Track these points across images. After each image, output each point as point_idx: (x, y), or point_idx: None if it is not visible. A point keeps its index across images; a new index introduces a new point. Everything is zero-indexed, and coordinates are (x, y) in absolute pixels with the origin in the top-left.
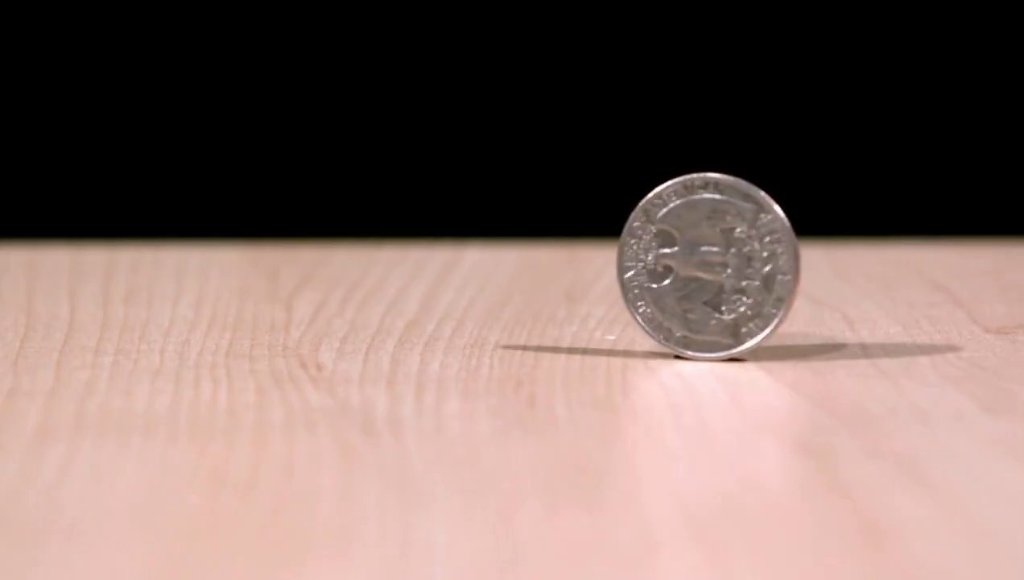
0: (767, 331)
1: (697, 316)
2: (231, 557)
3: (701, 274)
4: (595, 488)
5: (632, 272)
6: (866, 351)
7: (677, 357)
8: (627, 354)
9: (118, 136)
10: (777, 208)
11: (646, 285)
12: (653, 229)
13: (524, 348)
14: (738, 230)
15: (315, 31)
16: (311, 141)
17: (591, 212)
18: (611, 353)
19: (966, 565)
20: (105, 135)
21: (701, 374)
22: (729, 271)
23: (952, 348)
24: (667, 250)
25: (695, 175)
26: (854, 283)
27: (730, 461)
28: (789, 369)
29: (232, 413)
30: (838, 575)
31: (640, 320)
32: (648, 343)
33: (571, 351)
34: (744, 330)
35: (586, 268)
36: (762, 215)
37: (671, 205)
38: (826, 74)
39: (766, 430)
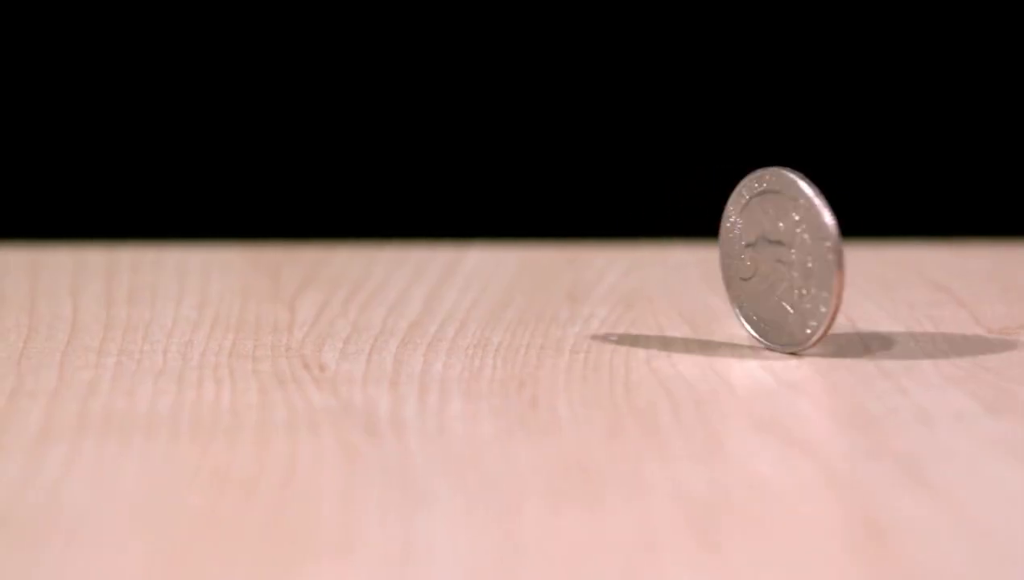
0: (825, 325)
1: (775, 310)
2: (233, 557)
3: (777, 268)
4: (597, 488)
5: (731, 270)
6: (868, 351)
7: (769, 349)
8: (629, 355)
9: (120, 137)
10: (821, 201)
11: (740, 279)
12: (740, 224)
13: (527, 349)
14: (795, 224)
15: (317, 32)
16: (313, 142)
17: (593, 213)
18: (613, 353)
19: (966, 565)
20: (107, 136)
21: (703, 374)
22: (794, 263)
23: (954, 348)
24: (750, 245)
25: (761, 169)
26: (855, 283)
27: (732, 461)
28: (791, 369)
29: (235, 413)
30: (839, 574)
31: (739, 313)
32: (733, 335)
33: (574, 352)
34: (808, 325)
35: (588, 269)
36: (811, 208)
37: (747, 199)
38: (826, 76)
39: (768, 430)
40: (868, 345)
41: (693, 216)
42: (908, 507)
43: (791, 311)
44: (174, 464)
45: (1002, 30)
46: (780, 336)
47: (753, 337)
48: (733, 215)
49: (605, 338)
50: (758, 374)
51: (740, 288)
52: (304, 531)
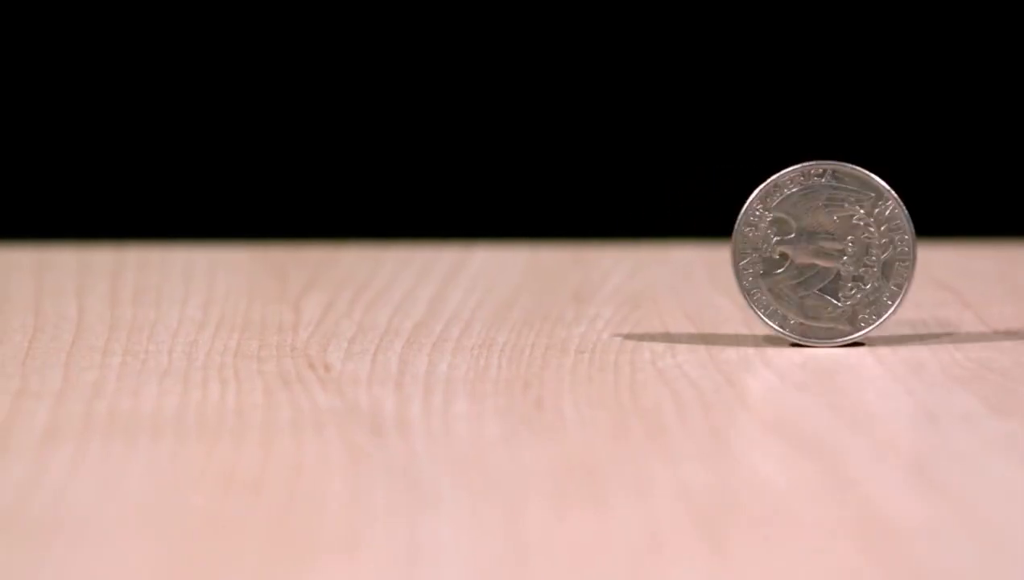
0: (886, 316)
1: (813, 303)
2: (239, 558)
3: (818, 261)
4: (602, 489)
5: (747, 260)
6: (873, 351)
7: (794, 345)
8: (635, 355)
9: (125, 137)
10: (895, 196)
11: (761, 273)
12: (769, 217)
13: (532, 349)
14: (855, 217)
15: (321, 32)
16: (318, 142)
17: (598, 213)
18: (619, 354)
19: (972, 566)
20: (112, 136)
21: (709, 374)
22: (846, 258)
23: (960, 349)
24: (783, 237)
25: (813, 163)
26: None
27: (738, 462)
28: (797, 369)
29: (240, 414)
30: (845, 575)
31: (755, 307)
32: (760, 329)
33: (579, 352)
34: (861, 317)
35: (594, 269)
36: (880, 203)
37: (788, 193)
38: (832, 77)
39: (773, 430)
40: (873, 345)
41: (698, 216)
42: (914, 508)
43: (838, 303)
44: (179, 465)
45: (1006, 30)
46: (814, 330)
47: (777, 332)
48: (761, 209)
49: (610, 338)
50: (764, 374)
51: (762, 282)
52: (309, 532)
